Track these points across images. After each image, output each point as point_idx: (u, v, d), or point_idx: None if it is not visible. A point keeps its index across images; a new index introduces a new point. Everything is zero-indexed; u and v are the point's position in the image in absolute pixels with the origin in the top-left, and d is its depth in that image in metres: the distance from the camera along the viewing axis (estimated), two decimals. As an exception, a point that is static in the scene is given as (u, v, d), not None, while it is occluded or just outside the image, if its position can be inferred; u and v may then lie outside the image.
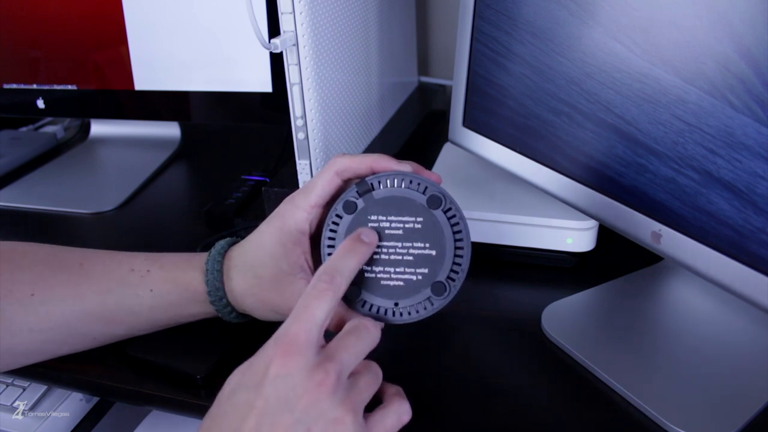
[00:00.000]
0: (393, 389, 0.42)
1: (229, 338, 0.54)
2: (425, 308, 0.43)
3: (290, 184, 0.66)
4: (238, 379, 0.37)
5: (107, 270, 0.50)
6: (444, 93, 0.99)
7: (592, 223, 0.59)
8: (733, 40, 0.41)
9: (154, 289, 0.49)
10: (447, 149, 0.73)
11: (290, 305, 0.41)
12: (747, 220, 0.42)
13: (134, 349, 0.54)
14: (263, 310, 0.47)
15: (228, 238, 0.51)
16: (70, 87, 0.88)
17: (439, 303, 0.43)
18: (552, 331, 0.54)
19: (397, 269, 0.43)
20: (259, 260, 0.47)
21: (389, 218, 0.44)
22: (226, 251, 0.49)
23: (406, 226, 0.44)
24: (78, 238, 0.75)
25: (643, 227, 0.49)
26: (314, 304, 0.38)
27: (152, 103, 0.85)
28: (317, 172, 0.63)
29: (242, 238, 0.50)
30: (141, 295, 0.49)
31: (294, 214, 0.46)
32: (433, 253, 0.43)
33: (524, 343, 0.54)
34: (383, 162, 0.45)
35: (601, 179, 0.52)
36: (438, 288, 0.43)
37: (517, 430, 0.46)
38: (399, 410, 0.40)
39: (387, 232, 0.44)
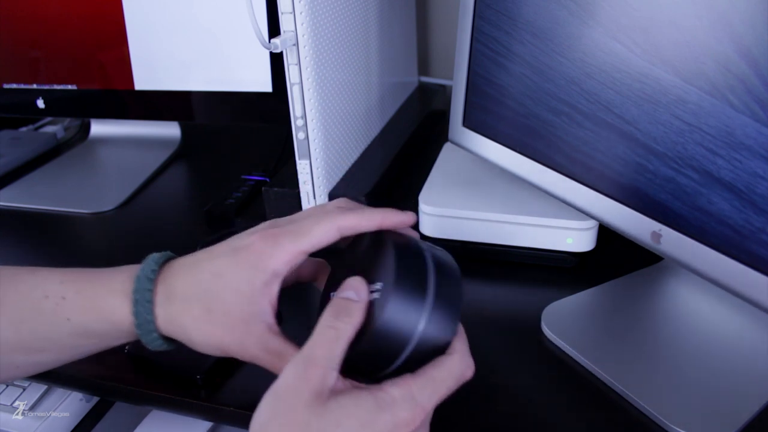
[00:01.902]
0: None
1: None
2: None
3: (290, 184, 0.66)
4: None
5: (20, 297, 0.44)
6: (444, 93, 0.99)
7: (592, 223, 0.59)
8: (733, 40, 0.41)
9: (71, 318, 0.42)
10: (447, 149, 0.73)
11: (244, 349, 0.39)
12: (747, 220, 0.42)
13: (134, 349, 0.54)
14: (206, 346, 0.41)
15: (156, 258, 0.43)
16: (70, 87, 0.88)
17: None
18: (552, 331, 0.54)
19: None
20: (216, 293, 0.40)
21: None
22: (156, 272, 0.42)
23: None
24: (78, 238, 0.75)
25: (643, 227, 0.49)
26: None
27: (152, 103, 0.85)
28: (318, 172, 0.63)
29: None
30: (58, 323, 0.43)
31: (275, 254, 0.40)
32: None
33: (524, 343, 0.54)
34: (391, 218, 0.41)
35: (601, 179, 0.52)
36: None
37: (517, 430, 0.46)
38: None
39: None
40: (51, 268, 0.45)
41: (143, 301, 0.41)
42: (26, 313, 0.43)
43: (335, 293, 0.38)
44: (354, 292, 0.37)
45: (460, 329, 0.39)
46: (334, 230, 0.41)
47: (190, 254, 0.43)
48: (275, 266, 0.40)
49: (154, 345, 0.43)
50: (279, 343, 0.40)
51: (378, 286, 0.37)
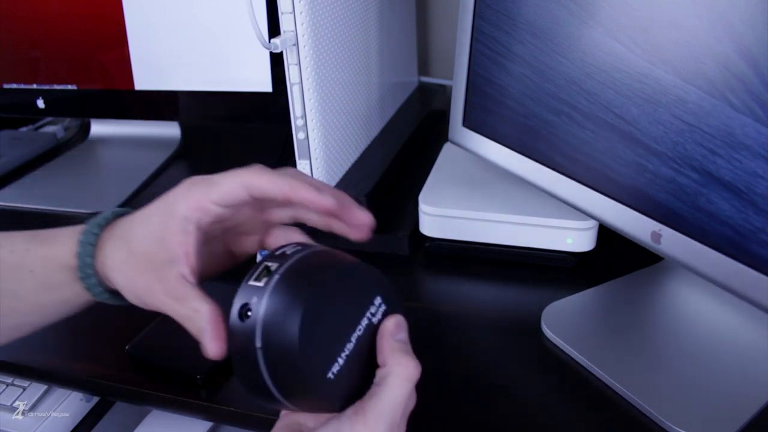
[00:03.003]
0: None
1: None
2: None
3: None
4: None
5: None
6: (444, 93, 0.99)
7: (592, 223, 0.59)
8: (733, 40, 0.41)
9: (34, 269, 0.43)
10: (447, 149, 0.73)
11: (154, 296, 0.39)
12: (747, 220, 0.42)
13: (134, 349, 0.54)
14: (128, 291, 0.41)
15: (117, 209, 0.45)
16: (70, 87, 0.88)
17: None
18: (552, 331, 0.54)
19: None
20: (138, 234, 0.41)
21: None
22: (109, 222, 0.43)
23: None
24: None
25: (643, 227, 0.49)
26: None
27: (152, 103, 0.85)
28: (318, 172, 0.63)
29: None
30: (23, 278, 0.43)
31: (185, 199, 0.40)
32: None
33: (524, 343, 0.54)
34: (301, 193, 0.40)
35: (601, 179, 0.52)
36: None
37: (517, 430, 0.46)
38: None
39: None
40: (14, 231, 0.46)
41: (86, 242, 0.42)
42: None
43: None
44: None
45: (385, 343, 0.36)
46: (241, 186, 0.40)
47: None
48: (184, 211, 0.40)
49: (101, 296, 0.43)
50: (185, 289, 0.39)
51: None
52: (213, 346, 0.37)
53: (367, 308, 0.36)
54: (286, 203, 0.42)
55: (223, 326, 0.37)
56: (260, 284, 0.34)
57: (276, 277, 0.34)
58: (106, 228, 0.43)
